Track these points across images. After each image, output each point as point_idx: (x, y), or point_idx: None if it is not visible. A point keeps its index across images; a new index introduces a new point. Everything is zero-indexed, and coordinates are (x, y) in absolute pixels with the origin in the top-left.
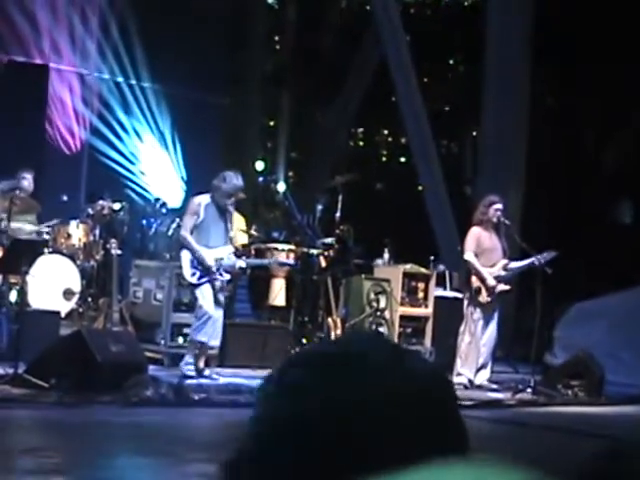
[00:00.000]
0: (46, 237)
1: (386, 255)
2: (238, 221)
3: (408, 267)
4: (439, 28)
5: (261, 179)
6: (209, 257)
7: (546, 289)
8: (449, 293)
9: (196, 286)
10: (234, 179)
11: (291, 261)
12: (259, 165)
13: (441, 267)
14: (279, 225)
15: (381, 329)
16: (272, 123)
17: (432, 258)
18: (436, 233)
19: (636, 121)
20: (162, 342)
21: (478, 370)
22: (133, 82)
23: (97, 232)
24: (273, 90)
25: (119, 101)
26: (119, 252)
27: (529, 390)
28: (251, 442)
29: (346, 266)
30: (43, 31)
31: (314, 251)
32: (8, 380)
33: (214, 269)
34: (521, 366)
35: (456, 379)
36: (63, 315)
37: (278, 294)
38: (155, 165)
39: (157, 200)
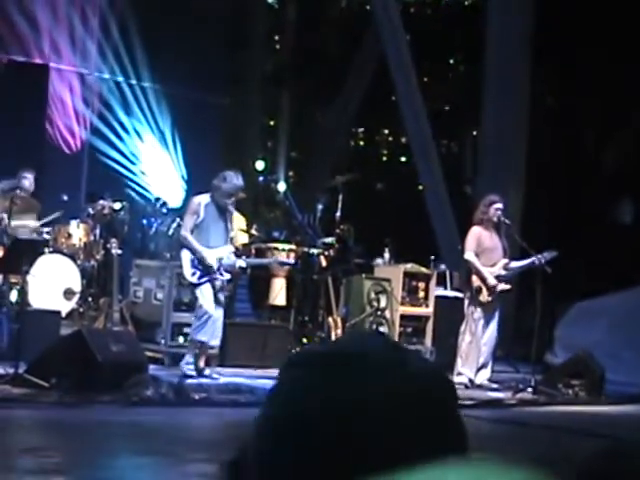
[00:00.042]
0: (46, 237)
1: (386, 254)
2: (238, 221)
3: (409, 267)
4: (439, 28)
5: (261, 179)
6: (210, 256)
7: (546, 288)
8: (450, 293)
9: (196, 286)
10: (234, 179)
11: (291, 260)
12: (259, 165)
13: (442, 267)
14: (279, 225)
15: (381, 329)
16: (272, 123)
17: (432, 258)
18: (436, 232)
19: (636, 121)
20: (162, 342)
21: (479, 369)
22: (133, 82)
23: (97, 232)
24: (273, 90)
25: (119, 101)
26: (119, 252)
27: (529, 389)
28: (252, 442)
29: (346, 266)
30: (43, 31)
31: (314, 251)
32: (9, 380)
33: (215, 268)
34: (521, 365)
35: (457, 378)
36: (63, 315)
37: (278, 294)
38: (155, 165)
39: (157, 200)
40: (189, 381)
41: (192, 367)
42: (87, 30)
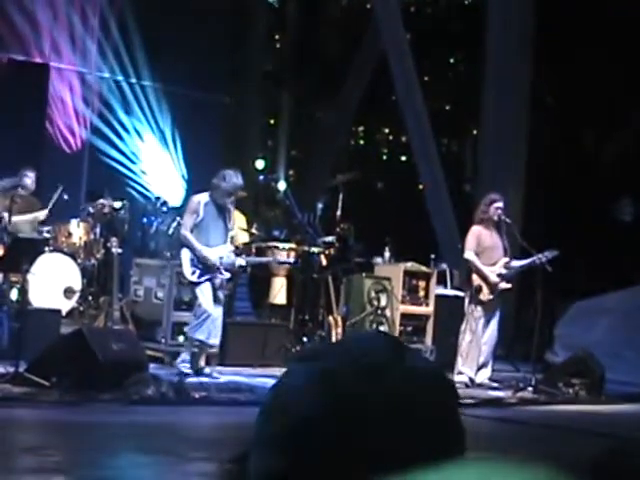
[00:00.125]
0: (47, 235)
1: (387, 253)
2: (239, 220)
3: (409, 265)
4: (439, 27)
5: (262, 178)
6: (210, 255)
7: (547, 288)
8: (450, 291)
9: (196, 284)
10: (234, 178)
11: (291, 259)
12: (259, 164)
13: (442, 265)
14: (280, 224)
15: (382, 327)
16: (272, 121)
17: (433, 256)
18: (437, 231)
19: (636, 121)
20: (163, 340)
21: (479, 369)
22: (133, 81)
23: (98, 230)
24: (273, 89)
25: (119, 100)
26: (120, 251)
27: (530, 388)
28: (252, 442)
29: (347, 264)
30: (43, 31)
31: (315, 249)
32: (9, 379)
33: (215, 267)
34: (522, 364)
35: (457, 378)
36: (64, 314)
37: (279, 292)
38: (156, 164)
39: (158, 198)
40: (189, 380)
41: (188, 365)
42: (87, 29)
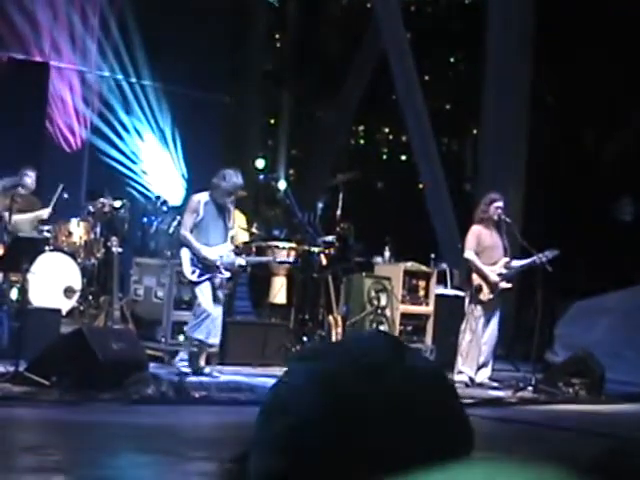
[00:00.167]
0: (47, 235)
1: (387, 253)
2: (239, 219)
3: (409, 265)
4: (440, 26)
5: (262, 177)
6: (209, 254)
7: (547, 287)
8: (450, 291)
9: (196, 284)
10: (234, 177)
11: (291, 259)
12: (260, 163)
13: (442, 265)
14: (280, 223)
15: (382, 327)
16: (273, 121)
17: (433, 256)
18: (437, 231)
19: (636, 121)
20: (163, 340)
21: (479, 368)
22: (133, 80)
23: (98, 230)
24: (274, 88)
25: (119, 100)
26: (120, 250)
27: (530, 388)
28: (252, 442)
29: (347, 264)
30: (43, 31)
31: (315, 249)
32: (9, 378)
33: (215, 267)
34: (522, 364)
35: (457, 377)
36: (64, 313)
37: (279, 292)
38: (156, 163)
39: (158, 198)
40: (189, 379)
41: (186, 364)
42: (87, 29)
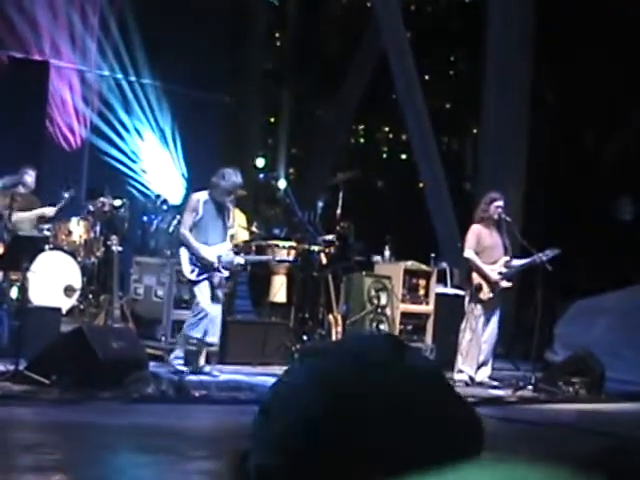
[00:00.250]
0: (47, 233)
1: (387, 252)
2: (239, 218)
3: (409, 264)
4: (440, 25)
5: (262, 176)
6: (209, 254)
7: (547, 287)
8: (450, 290)
9: (194, 283)
10: (233, 176)
11: (290, 258)
12: (260, 162)
13: (442, 264)
14: (280, 222)
15: (382, 326)
16: (273, 120)
17: (433, 255)
18: (437, 230)
19: (636, 121)
20: (163, 339)
21: (479, 367)
22: (133, 79)
23: (98, 229)
24: (274, 87)
25: (119, 99)
26: (120, 249)
27: (530, 387)
28: (252, 442)
29: (347, 263)
30: (43, 30)
31: (315, 248)
32: (9, 377)
33: (214, 266)
34: (522, 363)
35: (457, 376)
36: (64, 312)
37: (279, 291)
38: (156, 163)
39: (158, 197)
40: (189, 378)
41: (182, 362)
42: (87, 29)
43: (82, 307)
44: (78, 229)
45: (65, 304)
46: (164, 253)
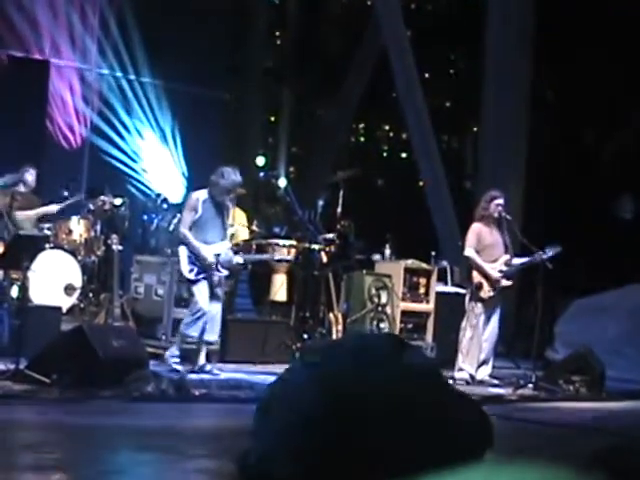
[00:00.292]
0: (47, 232)
1: (387, 250)
2: (239, 216)
3: (409, 262)
4: (440, 23)
5: (262, 174)
6: (208, 253)
7: (547, 285)
8: (450, 288)
9: (193, 282)
10: (232, 175)
11: (289, 257)
12: (260, 160)
13: (442, 262)
14: (280, 221)
15: (382, 325)
16: (273, 119)
17: (433, 253)
18: (437, 228)
19: (636, 121)
20: (163, 337)
21: (479, 365)
22: (132, 77)
23: (98, 227)
24: (274, 86)
25: (119, 99)
26: (120, 248)
27: (530, 385)
28: (251, 441)
29: (347, 261)
30: (43, 30)
31: (315, 246)
32: (9, 376)
33: (213, 265)
34: (522, 362)
35: (457, 374)
36: (64, 310)
37: (279, 289)
38: (156, 161)
39: (158, 195)
40: (190, 377)
41: (177, 360)
42: (87, 28)
43: (82, 306)
44: (78, 228)
45: (65, 303)
46: (164, 252)
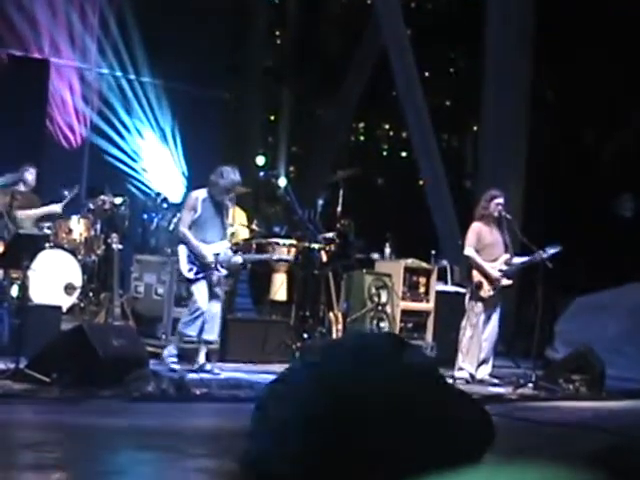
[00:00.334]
0: (47, 232)
1: (387, 250)
2: (239, 216)
3: (409, 262)
4: (440, 22)
5: (262, 174)
6: (208, 252)
7: (547, 284)
8: (450, 287)
9: (192, 281)
10: (231, 174)
11: (289, 256)
12: (260, 160)
13: (442, 262)
14: (280, 220)
15: (382, 324)
16: (273, 118)
17: (433, 252)
18: (437, 227)
19: (636, 121)
20: (163, 337)
21: (479, 365)
22: (132, 77)
23: (98, 227)
24: (274, 85)
25: (119, 98)
26: (120, 247)
27: (530, 385)
28: (250, 440)
29: (347, 261)
30: (42, 29)
31: (315, 246)
32: (9, 375)
33: (212, 264)
34: (522, 361)
35: (457, 374)
36: (64, 310)
37: (279, 289)
38: (156, 160)
39: (158, 195)
40: (190, 376)
41: (175, 359)
42: (86, 27)
43: (82, 305)
44: (78, 227)
45: (65, 302)
46: (164, 251)
